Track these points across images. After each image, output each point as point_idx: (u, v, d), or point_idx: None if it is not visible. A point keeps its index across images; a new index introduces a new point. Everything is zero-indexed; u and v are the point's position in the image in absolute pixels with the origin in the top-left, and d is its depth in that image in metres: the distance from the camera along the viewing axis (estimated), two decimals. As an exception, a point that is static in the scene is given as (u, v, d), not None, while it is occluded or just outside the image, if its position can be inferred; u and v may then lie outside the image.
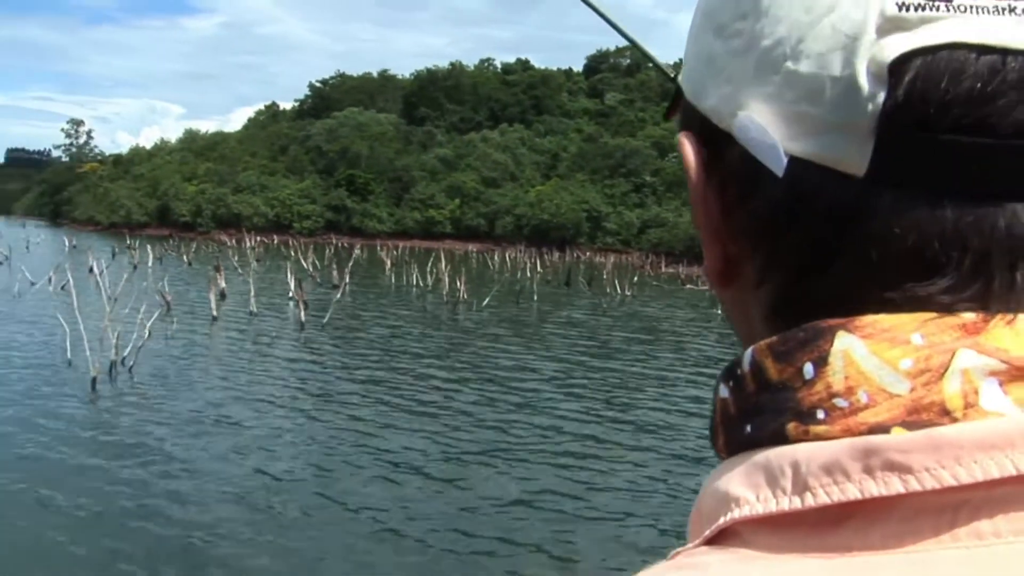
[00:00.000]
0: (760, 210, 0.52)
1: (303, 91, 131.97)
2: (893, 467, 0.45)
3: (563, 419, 14.79)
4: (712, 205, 0.57)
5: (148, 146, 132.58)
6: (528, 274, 47.51)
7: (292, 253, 50.69)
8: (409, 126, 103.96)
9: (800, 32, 0.49)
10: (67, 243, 67.26)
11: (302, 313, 26.44)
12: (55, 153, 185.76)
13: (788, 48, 0.50)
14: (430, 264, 43.50)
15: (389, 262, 49.46)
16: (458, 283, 35.16)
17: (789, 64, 0.50)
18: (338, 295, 30.42)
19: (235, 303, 29.96)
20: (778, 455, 0.49)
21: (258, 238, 79.50)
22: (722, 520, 0.50)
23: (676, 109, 0.62)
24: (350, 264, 40.54)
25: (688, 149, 0.58)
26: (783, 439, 0.49)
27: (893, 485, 0.44)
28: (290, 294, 31.50)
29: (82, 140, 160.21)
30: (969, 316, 0.46)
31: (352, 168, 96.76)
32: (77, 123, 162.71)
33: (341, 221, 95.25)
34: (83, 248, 59.03)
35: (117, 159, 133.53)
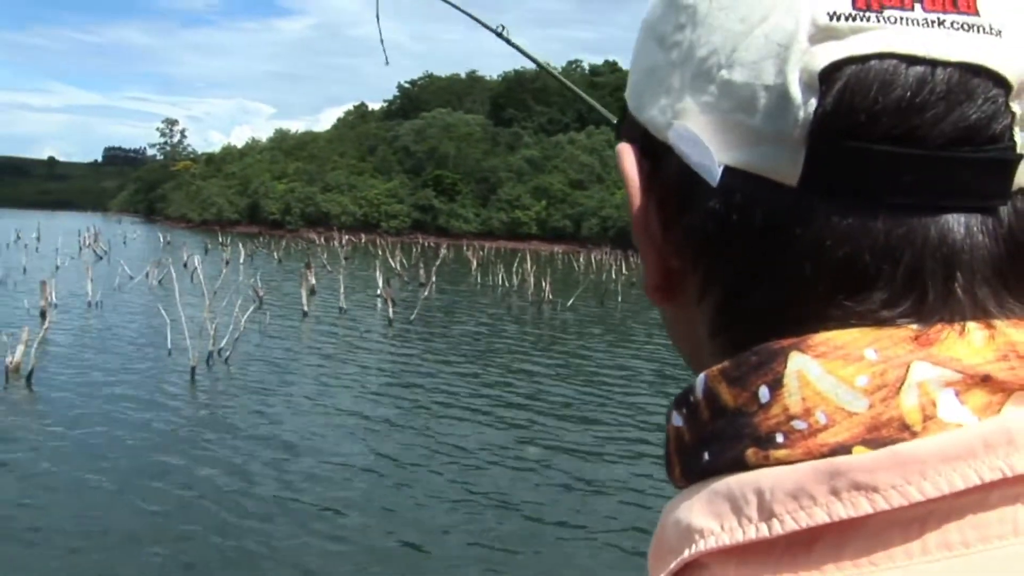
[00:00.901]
0: (697, 222, 0.51)
1: (392, 92, 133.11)
2: (859, 487, 0.44)
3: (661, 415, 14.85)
4: (652, 218, 0.55)
5: (239, 145, 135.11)
6: (613, 276, 47.44)
7: (379, 252, 51.25)
8: (496, 127, 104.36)
9: (734, 41, 0.49)
10: (161, 239, 69.02)
11: (390, 310, 26.84)
12: (150, 152, 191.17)
13: (723, 57, 0.49)
14: (516, 264, 43.74)
15: (475, 262, 49.84)
16: (543, 283, 35.25)
17: (724, 73, 0.49)
18: (425, 293, 30.78)
19: (325, 299, 30.52)
20: (739, 482, 0.47)
21: (346, 237, 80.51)
22: (687, 553, 0.48)
23: (623, 123, 0.61)
24: (437, 263, 41.01)
25: (627, 160, 0.56)
26: (742, 466, 0.48)
27: (861, 506, 0.44)
28: (378, 292, 32.01)
29: (176, 139, 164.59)
30: (918, 327, 0.46)
31: (439, 168, 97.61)
32: (171, 122, 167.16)
33: (428, 221, 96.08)
34: (177, 244, 60.65)
35: (209, 158, 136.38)
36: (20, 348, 15.36)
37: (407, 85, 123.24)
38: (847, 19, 0.46)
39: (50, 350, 16.07)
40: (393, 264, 45.19)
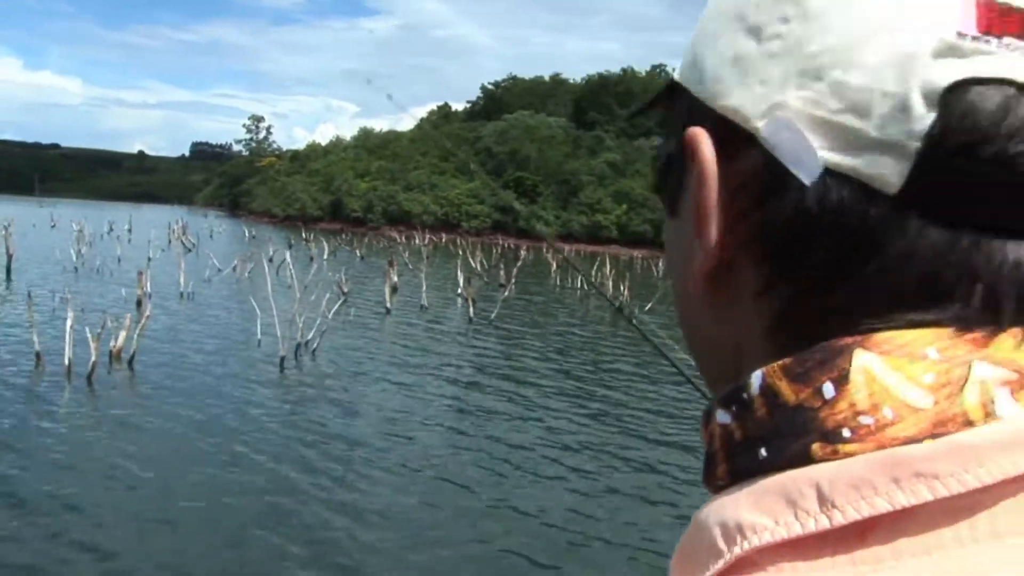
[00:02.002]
0: (780, 218, 0.52)
1: (475, 93, 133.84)
2: (920, 475, 0.45)
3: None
4: (720, 207, 0.56)
5: (323, 143, 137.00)
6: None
7: (460, 252, 51.86)
8: (578, 130, 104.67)
9: (853, 43, 0.49)
10: (246, 233, 70.62)
11: (471, 309, 27.39)
12: (235, 147, 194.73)
13: (838, 56, 0.50)
14: (595, 267, 44.04)
15: (555, 264, 50.26)
16: (622, 287, 35.56)
17: (837, 73, 0.49)
18: (505, 293, 31.17)
19: (406, 296, 31.17)
20: (792, 478, 0.48)
21: (427, 235, 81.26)
22: (737, 551, 0.49)
23: (661, 103, 0.64)
24: (517, 265, 41.48)
25: (707, 145, 0.56)
26: (806, 460, 0.48)
27: (921, 493, 0.45)
28: (459, 291, 32.57)
29: (261, 135, 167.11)
30: (978, 331, 0.48)
31: (521, 170, 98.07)
32: (257, 119, 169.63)
33: (508, 222, 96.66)
34: (262, 239, 61.84)
35: (294, 155, 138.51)
36: (123, 334, 16.13)
37: (490, 87, 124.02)
38: (972, 39, 0.47)
39: (148, 337, 16.79)
40: (473, 264, 45.73)
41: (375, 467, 11.17)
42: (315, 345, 18.39)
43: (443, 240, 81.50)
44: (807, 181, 0.50)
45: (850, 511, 0.46)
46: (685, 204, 0.59)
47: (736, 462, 0.52)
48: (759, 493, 0.49)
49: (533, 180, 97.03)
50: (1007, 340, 0.48)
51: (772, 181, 0.51)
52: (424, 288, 29.91)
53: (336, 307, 21.50)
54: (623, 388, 17.84)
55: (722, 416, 0.54)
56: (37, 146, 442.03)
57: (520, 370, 19.02)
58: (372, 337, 22.26)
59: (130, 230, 62.52)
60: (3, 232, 35.07)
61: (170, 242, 55.18)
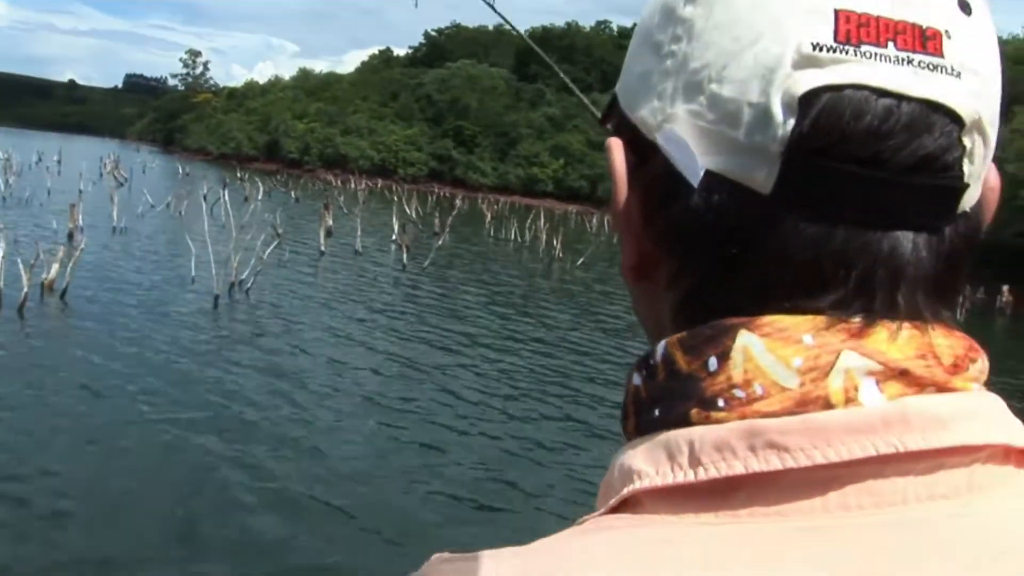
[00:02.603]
0: (676, 218, 0.56)
1: (418, 38, 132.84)
2: (773, 446, 0.50)
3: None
4: (634, 208, 0.61)
5: (262, 81, 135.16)
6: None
7: (395, 198, 51.81)
8: (520, 82, 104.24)
9: (726, 59, 0.54)
10: (180, 170, 69.79)
11: (404, 256, 27.56)
12: (171, 82, 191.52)
13: (714, 72, 0.54)
14: (529, 221, 44.31)
15: (489, 215, 50.41)
16: (555, 241, 36.00)
17: (713, 87, 0.54)
18: (439, 242, 31.31)
19: (341, 240, 31.21)
20: (676, 435, 0.54)
21: (363, 181, 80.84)
22: (625, 491, 0.55)
23: (611, 116, 0.66)
24: (452, 214, 41.61)
25: (617, 154, 0.62)
26: (686, 422, 0.54)
27: (772, 462, 0.50)
28: (393, 237, 32.70)
29: (198, 71, 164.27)
30: (855, 321, 0.52)
31: (460, 119, 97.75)
32: (195, 54, 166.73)
33: (445, 171, 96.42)
34: (195, 176, 61.35)
35: (231, 92, 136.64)
36: (55, 266, 16.10)
37: (434, 33, 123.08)
38: (828, 50, 0.51)
39: (81, 270, 16.77)
40: (408, 211, 45.75)
41: (304, 405, 11.41)
42: (249, 284, 18.48)
43: (379, 186, 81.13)
44: (694, 183, 0.55)
45: (712, 469, 0.51)
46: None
47: (640, 418, 0.58)
48: (652, 444, 0.55)
49: (472, 130, 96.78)
50: (881, 333, 0.52)
51: (671, 184, 0.56)
52: (359, 233, 30.01)
53: (271, 248, 21.56)
54: (555, 337, 18.15)
55: (636, 378, 0.59)
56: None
57: (451, 317, 19.28)
58: (305, 279, 22.40)
59: (59, 162, 61.35)
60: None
61: (102, 175, 54.45)
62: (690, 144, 0.55)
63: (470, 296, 23.17)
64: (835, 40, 0.51)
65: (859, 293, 0.52)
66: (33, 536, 7.03)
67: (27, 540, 6.96)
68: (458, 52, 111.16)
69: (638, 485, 0.54)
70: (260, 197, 45.28)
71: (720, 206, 0.54)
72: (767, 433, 0.51)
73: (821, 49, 0.51)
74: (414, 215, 45.95)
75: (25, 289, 14.74)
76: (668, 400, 0.56)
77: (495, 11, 3.00)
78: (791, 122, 0.51)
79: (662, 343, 0.58)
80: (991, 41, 0.56)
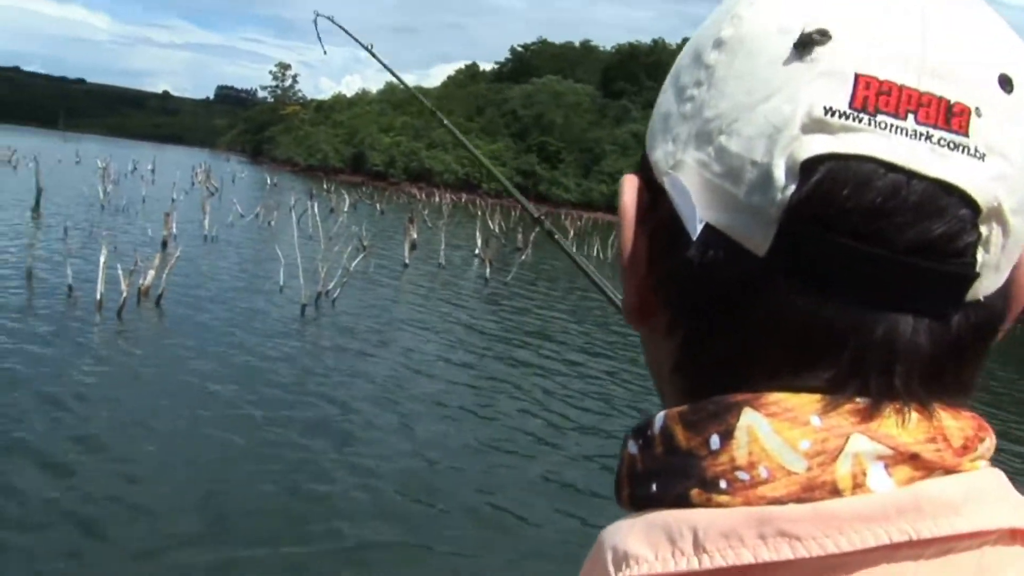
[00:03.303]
0: (674, 268, 0.56)
1: (504, 54, 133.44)
2: (784, 535, 0.48)
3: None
4: (640, 248, 0.60)
5: (349, 94, 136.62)
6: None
7: (479, 212, 52.18)
8: (605, 99, 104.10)
9: (738, 112, 0.52)
10: (268, 181, 71.13)
11: (487, 270, 27.82)
12: (260, 93, 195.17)
13: (725, 124, 0.53)
14: (612, 237, 44.29)
15: (572, 231, 50.47)
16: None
17: (722, 139, 0.53)
18: (522, 257, 31.59)
19: (425, 253, 31.59)
20: (677, 518, 0.51)
21: (447, 194, 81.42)
22: None
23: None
24: (536, 230, 41.63)
25: (628, 189, 0.61)
26: (686, 502, 0.52)
27: (783, 551, 0.48)
28: (476, 251, 33.00)
29: (287, 83, 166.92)
30: (862, 401, 0.50)
31: (545, 135, 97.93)
32: (284, 67, 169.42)
33: (528, 187, 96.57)
34: (283, 187, 62.50)
35: (319, 104, 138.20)
36: (151, 273, 16.65)
37: (520, 49, 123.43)
38: (841, 116, 0.49)
39: (174, 276, 17.31)
40: (492, 226, 46.06)
41: (383, 410, 11.69)
42: (335, 295, 18.90)
43: (463, 200, 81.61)
44: (692, 235, 0.53)
45: (718, 558, 0.49)
46: None
47: (635, 490, 0.56)
48: (648, 526, 0.53)
49: (557, 146, 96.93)
50: (890, 416, 0.50)
51: (676, 231, 0.55)
52: (443, 246, 30.30)
53: (357, 260, 21.97)
54: (630, 359, 18.26)
55: (631, 446, 0.58)
56: (63, 80, 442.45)
57: (533, 333, 19.46)
58: (390, 291, 22.75)
59: (153, 170, 62.97)
60: (33, 165, 35.61)
61: (193, 184, 55.68)
62: (693, 195, 0.54)
63: (552, 310, 23.32)
64: (850, 107, 0.49)
65: (852, 374, 0.50)
66: (135, 526, 7.37)
67: (132, 526, 7.30)
68: (544, 68, 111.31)
69: (635, 571, 0.52)
70: (346, 209, 45.95)
71: (714, 262, 0.53)
72: (777, 521, 0.49)
73: (833, 114, 0.49)
74: (497, 229, 46.23)
75: (124, 294, 15.30)
76: (666, 476, 0.54)
77: (377, 59, 3.20)
78: (791, 187, 0.49)
79: (661, 415, 0.56)
80: None
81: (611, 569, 0.53)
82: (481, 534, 8.14)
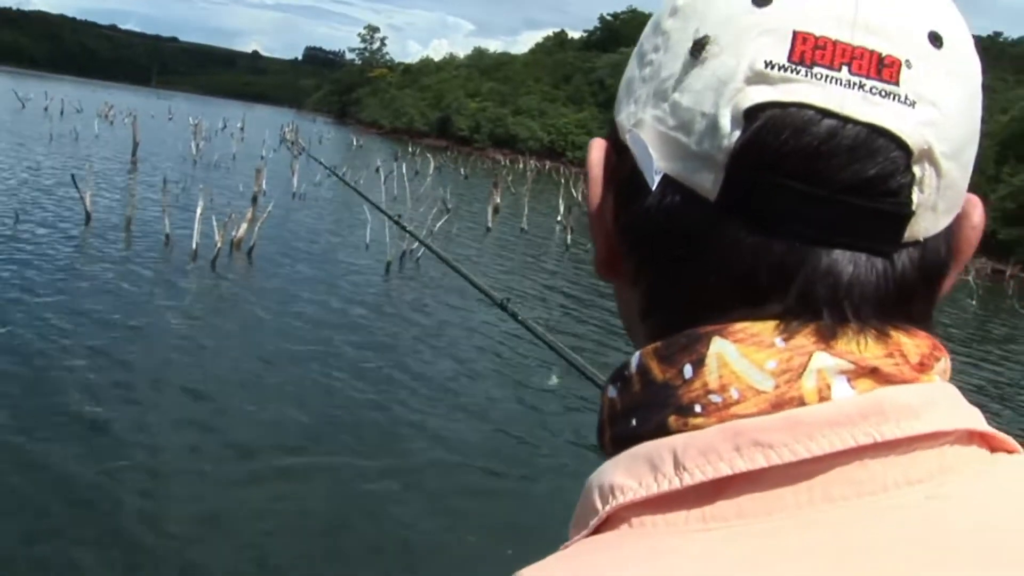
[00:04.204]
0: (636, 217, 0.59)
1: (593, 22, 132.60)
2: (758, 444, 0.51)
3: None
4: (607, 205, 0.64)
5: (436, 59, 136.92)
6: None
7: (562, 180, 52.33)
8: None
9: (688, 70, 0.56)
10: (354, 142, 71.98)
11: (568, 237, 28.03)
12: (348, 55, 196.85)
13: (676, 82, 0.57)
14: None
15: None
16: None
17: (676, 95, 0.57)
18: (603, 225, 31.51)
19: (508, 218, 31.80)
20: (657, 446, 0.54)
21: (531, 161, 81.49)
22: (607, 508, 0.55)
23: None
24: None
25: (594, 152, 0.66)
26: (665, 430, 0.54)
27: (757, 460, 0.51)
28: (559, 218, 33.24)
29: (375, 46, 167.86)
30: (823, 324, 0.53)
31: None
32: (373, 29, 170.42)
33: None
34: (368, 149, 63.16)
35: (406, 68, 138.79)
36: (244, 226, 17.21)
37: (609, 17, 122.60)
38: (780, 69, 0.53)
39: (265, 230, 17.86)
40: (575, 194, 46.13)
41: (461, 371, 12.04)
42: (419, 254, 19.32)
43: (547, 167, 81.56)
44: (651, 185, 0.57)
45: (697, 473, 0.52)
46: None
47: (616, 430, 0.59)
48: (630, 458, 0.56)
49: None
50: (849, 335, 0.53)
51: (636, 185, 0.59)
52: (526, 212, 30.65)
53: (441, 222, 22.37)
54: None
55: (611, 390, 0.61)
56: (157, 38, 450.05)
57: (608, 295, 19.59)
58: (472, 253, 23.10)
59: (243, 128, 64.05)
60: (129, 121, 36.60)
61: (281, 143, 56.58)
62: (650, 148, 0.58)
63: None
64: (788, 60, 0.53)
65: (804, 306, 0.54)
66: (223, 477, 7.83)
67: (217, 483, 7.74)
68: (633, 37, 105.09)
69: (621, 500, 0.54)
70: (431, 172, 46.41)
71: (671, 208, 0.57)
72: (750, 432, 0.52)
73: (773, 67, 0.53)
74: (580, 197, 46.26)
75: (218, 245, 15.95)
76: (644, 410, 0.57)
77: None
78: (736, 134, 0.53)
79: (636, 354, 0.59)
80: (966, 78, 0.57)
81: (598, 504, 0.56)
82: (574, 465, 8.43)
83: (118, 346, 10.57)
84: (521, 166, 72.54)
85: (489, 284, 12.21)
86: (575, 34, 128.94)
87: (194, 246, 16.06)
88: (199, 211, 16.36)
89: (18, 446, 7.46)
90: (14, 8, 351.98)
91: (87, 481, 7.05)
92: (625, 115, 0.62)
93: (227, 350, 11.10)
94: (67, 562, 5.91)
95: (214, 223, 16.06)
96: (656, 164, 0.57)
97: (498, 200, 32.63)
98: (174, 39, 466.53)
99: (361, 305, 14.73)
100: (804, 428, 0.51)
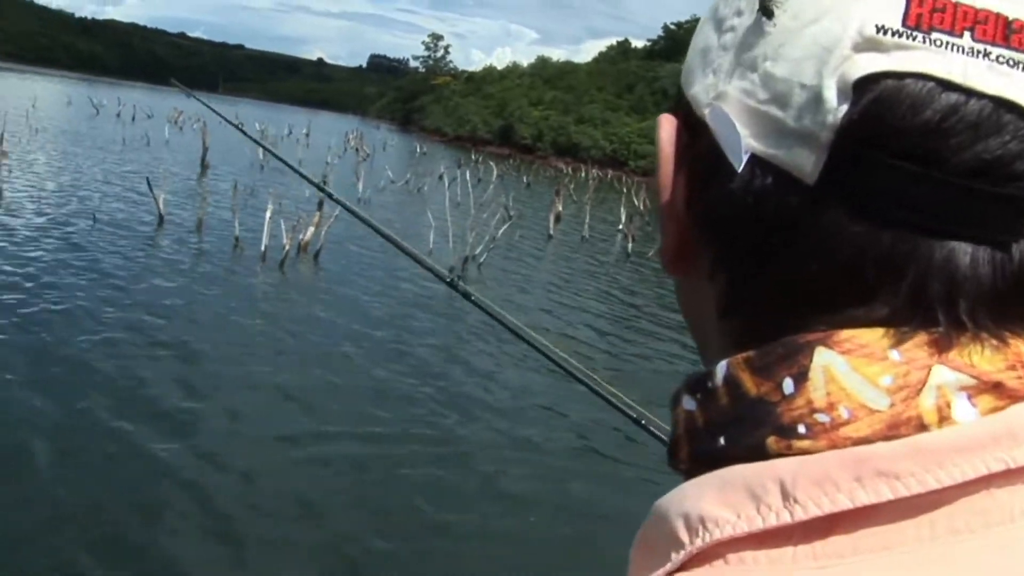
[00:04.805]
0: (717, 201, 0.53)
1: (656, 31, 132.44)
2: (882, 475, 0.46)
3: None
4: (679, 189, 0.58)
5: (499, 67, 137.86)
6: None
7: (624, 189, 52.37)
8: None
9: (783, 36, 0.50)
10: (417, 149, 72.59)
11: (629, 245, 28.14)
12: (412, 63, 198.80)
13: (770, 49, 0.51)
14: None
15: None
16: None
17: (767, 65, 0.51)
18: (664, 234, 31.56)
19: (569, 226, 31.99)
20: (756, 472, 0.48)
21: (594, 170, 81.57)
22: (699, 542, 0.49)
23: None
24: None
25: (665, 129, 0.60)
26: (761, 452, 0.49)
27: (882, 492, 0.45)
28: (620, 226, 33.31)
29: (439, 54, 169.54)
30: (936, 332, 0.47)
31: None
32: (437, 37, 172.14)
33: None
34: (432, 156, 63.70)
35: (470, 76, 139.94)
36: (311, 229, 17.59)
37: (673, 26, 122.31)
38: (894, 34, 0.46)
39: (330, 233, 18.24)
40: (637, 203, 46.21)
41: (518, 375, 12.26)
42: (482, 260, 19.59)
43: (609, 176, 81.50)
44: (737, 166, 0.51)
45: (812, 507, 0.46)
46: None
47: (697, 447, 0.53)
48: (721, 485, 0.49)
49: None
50: (967, 345, 0.47)
51: (715, 165, 0.53)
52: (587, 220, 30.74)
53: (503, 228, 22.63)
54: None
55: (687, 402, 0.55)
56: (224, 46, 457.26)
57: (671, 308, 19.78)
58: (534, 259, 23.33)
59: (308, 135, 64.93)
60: (198, 126, 37.37)
61: (345, 150, 57.25)
62: (737, 124, 0.52)
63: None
64: (903, 24, 0.47)
65: (916, 304, 0.48)
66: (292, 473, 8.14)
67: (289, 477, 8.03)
68: None
69: (717, 535, 0.48)
70: (494, 180, 46.79)
71: (761, 192, 0.51)
72: (873, 461, 0.46)
73: (886, 32, 0.47)
74: (642, 207, 46.38)
75: (286, 247, 16.38)
76: (735, 427, 0.51)
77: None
78: (843, 108, 0.47)
79: (723, 363, 0.53)
80: None
81: (684, 536, 0.50)
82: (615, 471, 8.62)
83: (195, 342, 10.95)
84: (583, 175, 72.61)
85: (549, 289, 12.55)
86: (638, 43, 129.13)
87: (263, 248, 16.50)
88: (268, 214, 16.77)
89: (117, 432, 7.88)
90: (89, 18, 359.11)
91: (181, 463, 7.45)
92: (701, 88, 0.56)
93: (299, 347, 11.46)
94: (172, 537, 6.25)
95: (282, 226, 16.48)
96: (744, 142, 0.51)
97: (560, 208, 32.87)
98: (240, 46, 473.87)
99: (424, 309, 15.02)
100: (932, 455, 0.46)
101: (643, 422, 2.47)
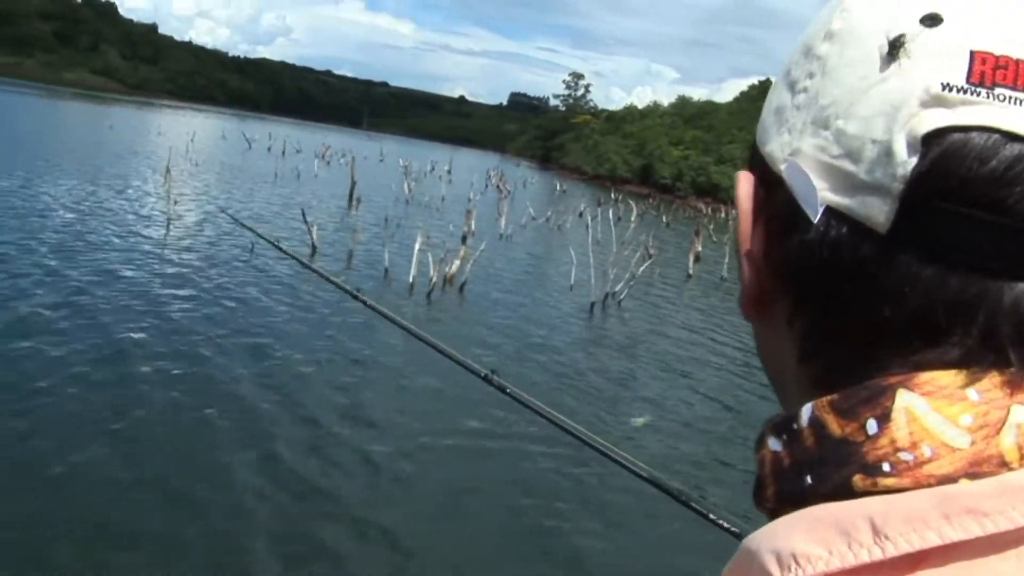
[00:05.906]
0: (794, 251, 0.56)
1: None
2: (970, 512, 0.47)
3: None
4: (757, 240, 0.60)
5: (640, 106, 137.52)
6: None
7: (764, 231, 51.83)
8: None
9: (853, 96, 0.53)
10: (557, 187, 73.27)
11: (769, 286, 27.98)
12: (552, 101, 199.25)
13: (841, 108, 0.54)
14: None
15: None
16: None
17: (839, 123, 0.53)
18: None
19: (708, 266, 32.02)
20: (846, 510, 0.50)
21: (733, 211, 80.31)
22: None
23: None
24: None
25: (743, 185, 0.63)
26: (848, 490, 0.50)
27: (971, 529, 0.46)
28: (759, 267, 33.15)
29: (579, 92, 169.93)
30: (1010, 373, 0.49)
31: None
32: (577, 76, 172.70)
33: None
34: (572, 194, 64.21)
35: (610, 115, 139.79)
36: (456, 263, 18.17)
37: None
38: (959, 91, 0.49)
39: (474, 268, 18.75)
40: (776, 244, 45.88)
41: (648, 405, 12.47)
42: (622, 296, 19.85)
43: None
44: (813, 218, 0.54)
45: (902, 543, 0.47)
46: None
47: (783, 486, 0.55)
48: (812, 522, 0.51)
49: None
50: None
51: (792, 217, 0.56)
52: (726, 260, 30.77)
53: (644, 266, 22.86)
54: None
55: (773, 443, 0.57)
56: (368, 83, 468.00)
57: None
58: (672, 298, 23.46)
59: (450, 171, 66.22)
60: (344, 161, 38.55)
61: (487, 186, 58.17)
62: (812, 178, 0.54)
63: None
64: (967, 81, 0.50)
65: (987, 346, 0.50)
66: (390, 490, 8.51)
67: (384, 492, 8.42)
68: None
69: (811, 571, 0.49)
70: (633, 218, 46.99)
71: (836, 241, 0.53)
72: (962, 499, 0.47)
73: (952, 89, 0.50)
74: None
75: (433, 280, 17.04)
76: (821, 467, 0.53)
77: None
78: (913, 161, 0.49)
79: (808, 406, 0.55)
80: None
81: (776, 573, 0.51)
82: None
83: (350, 369, 11.60)
84: (723, 215, 72.16)
85: (688, 328, 12.68)
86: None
87: (411, 280, 17.18)
88: (416, 248, 17.47)
89: (273, 455, 8.40)
90: (241, 57, 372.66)
91: (321, 472, 7.92)
92: (777, 145, 0.60)
93: (447, 372, 11.89)
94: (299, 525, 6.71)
95: (430, 259, 17.15)
96: (820, 195, 0.54)
97: (699, 248, 32.89)
98: (384, 84, 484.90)
99: (565, 342, 15.36)
100: (1018, 493, 0.47)
101: (711, 516, 1.99)
